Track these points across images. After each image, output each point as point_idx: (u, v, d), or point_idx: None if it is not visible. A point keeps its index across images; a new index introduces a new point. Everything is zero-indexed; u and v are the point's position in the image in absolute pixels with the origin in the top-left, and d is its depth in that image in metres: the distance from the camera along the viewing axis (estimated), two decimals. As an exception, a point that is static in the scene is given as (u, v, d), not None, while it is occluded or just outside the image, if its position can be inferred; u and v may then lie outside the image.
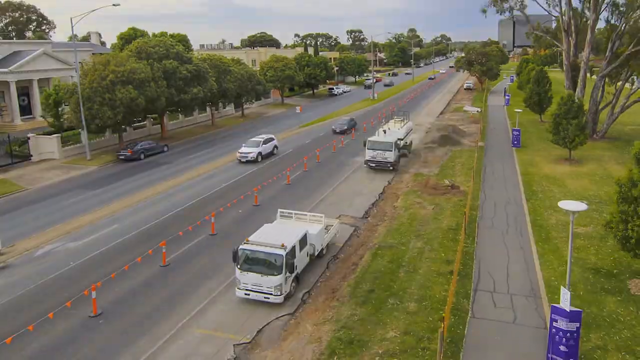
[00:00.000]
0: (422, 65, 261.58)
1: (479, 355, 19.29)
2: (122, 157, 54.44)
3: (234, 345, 20.65)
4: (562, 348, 18.25)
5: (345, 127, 70.17)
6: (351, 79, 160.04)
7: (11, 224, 36.15)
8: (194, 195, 41.76)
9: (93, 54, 68.70)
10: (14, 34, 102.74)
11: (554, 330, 18.42)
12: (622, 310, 21.99)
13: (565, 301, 18.09)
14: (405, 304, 23.34)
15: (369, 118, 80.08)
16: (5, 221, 36.90)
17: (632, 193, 22.37)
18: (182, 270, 27.89)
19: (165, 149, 59.38)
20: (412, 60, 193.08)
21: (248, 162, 52.09)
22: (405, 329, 21.28)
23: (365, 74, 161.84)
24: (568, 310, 17.83)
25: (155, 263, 28.74)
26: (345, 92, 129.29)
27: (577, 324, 17.81)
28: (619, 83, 60.65)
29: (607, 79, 61.81)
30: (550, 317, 18.48)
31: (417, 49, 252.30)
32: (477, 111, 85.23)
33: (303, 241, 25.84)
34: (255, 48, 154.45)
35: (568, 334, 18.01)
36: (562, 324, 18.05)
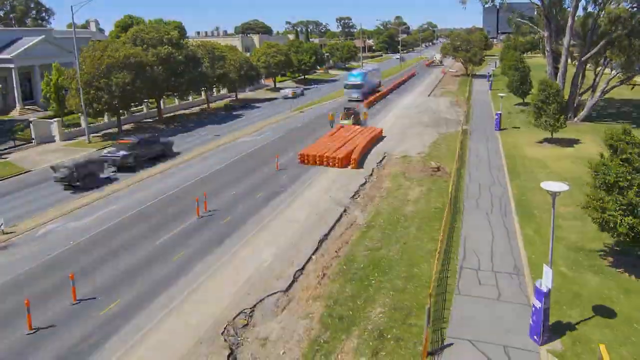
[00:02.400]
0: (417, 49, 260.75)
1: (464, 331, 19.17)
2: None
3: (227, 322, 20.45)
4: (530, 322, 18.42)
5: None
6: (340, 65, 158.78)
7: (13, 205, 35.68)
8: (191, 176, 41.29)
9: (92, 40, 68.06)
10: (14, 21, 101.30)
11: (534, 307, 18.40)
12: (603, 287, 21.95)
13: (547, 279, 18.00)
14: (393, 281, 23.20)
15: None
16: (7, 202, 36.45)
17: (607, 180, 22.16)
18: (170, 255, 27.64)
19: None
20: (399, 47, 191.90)
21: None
22: (393, 305, 21.16)
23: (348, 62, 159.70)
24: (546, 289, 17.73)
25: (152, 242, 28.44)
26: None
27: (543, 303, 17.79)
28: (599, 68, 60.41)
29: (587, 65, 61.57)
30: (534, 295, 18.42)
31: (404, 36, 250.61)
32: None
33: None
34: (248, 35, 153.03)
35: (535, 310, 18.12)
36: (535, 301, 18.07)
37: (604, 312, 20.09)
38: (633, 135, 22.87)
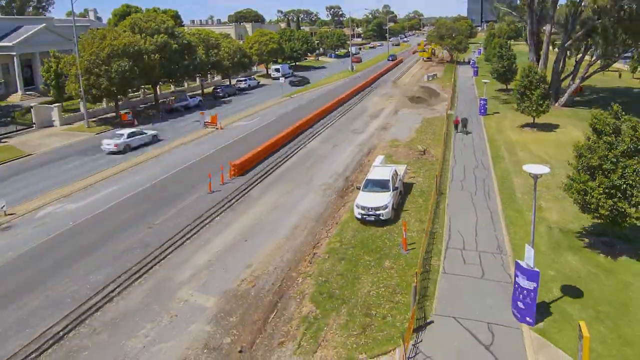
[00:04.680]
0: (406, 36, 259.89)
1: (449, 308, 19.07)
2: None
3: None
4: (519, 304, 18.13)
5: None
6: (330, 52, 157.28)
7: (15, 187, 35.37)
8: (186, 160, 40.86)
9: (90, 29, 67.38)
10: (15, 10, 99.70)
11: (516, 285, 18.25)
12: (581, 266, 21.88)
13: (529, 258, 17.86)
14: (382, 260, 23.03)
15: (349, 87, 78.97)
16: (9, 184, 36.16)
17: (590, 162, 21.92)
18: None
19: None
20: (387, 35, 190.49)
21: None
22: (381, 283, 21.02)
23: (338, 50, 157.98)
24: (530, 268, 17.59)
25: (147, 223, 28.23)
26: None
27: (535, 284, 17.60)
28: (579, 55, 60.13)
29: (568, 52, 61.26)
30: (515, 273, 18.29)
31: (391, 24, 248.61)
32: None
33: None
34: (241, 23, 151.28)
35: (525, 292, 17.86)
36: (522, 281, 17.88)
37: (583, 290, 20.02)
38: (624, 119, 22.43)
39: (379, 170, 30.05)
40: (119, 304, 20.43)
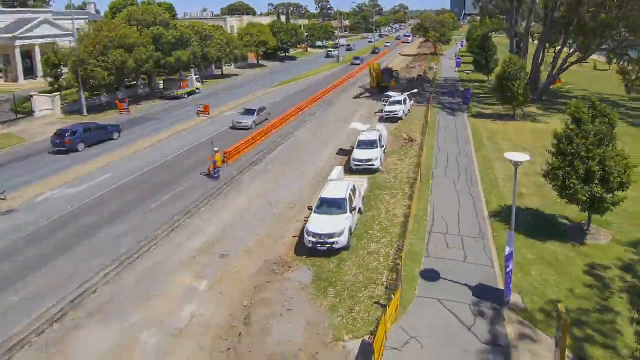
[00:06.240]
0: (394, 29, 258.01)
1: (432, 290, 18.96)
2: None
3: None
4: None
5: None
6: (319, 44, 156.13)
7: (15, 174, 34.74)
8: (181, 147, 40.66)
9: (89, 21, 66.74)
10: (16, 3, 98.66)
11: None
12: (560, 250, 21.86)
13: (510, 242, 17.74)
14: (368, 244, 22.83)
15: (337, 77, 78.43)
16: (9, 171, 35.48)
17: (569, 149, 21.86)
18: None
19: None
20: (373, 27, 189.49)
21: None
22: (367, 267, 20.84)
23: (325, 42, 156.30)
24: (508, 252, 17.47)
25: (144, 208, 27.99)
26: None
27: (511, 266, 17.55)
28: (558, 47, 60.00)
29: (547, 45, 61.09)
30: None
31: (378, 17, 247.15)
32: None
33: None
34: (233, 16, 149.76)
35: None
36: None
37: (561, 273, 20.00)
38: (601, 109, 22.34)
39: (335, 187, 24.94)
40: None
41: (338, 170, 28.57)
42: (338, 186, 24.68)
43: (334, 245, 21.46)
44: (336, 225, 21.76)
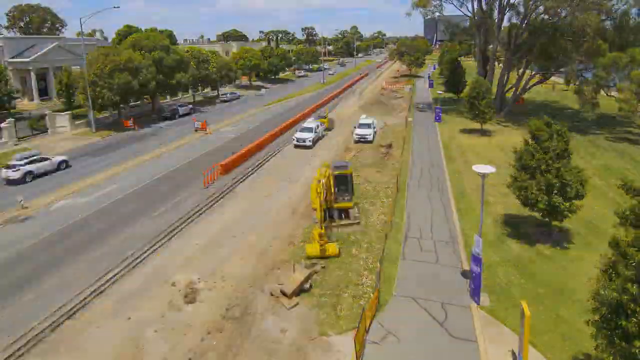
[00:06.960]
0: (370, 53, 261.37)
1: (408, 287, 19.49)
2: None
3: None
4: (471, 286, 18.73)
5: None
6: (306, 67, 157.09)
7: (30, 184, 35.17)
8: (181, 159, 40.93)
9: (97, 47, 67.60)
10: (32, 30, 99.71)
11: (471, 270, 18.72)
12: (524, 253, 22.53)
13: (477, 246, 18.30)
14: (349, 248, 23.25)
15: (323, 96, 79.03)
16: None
17: (530, 163, 22.71)
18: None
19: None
20: (354, 52, 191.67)
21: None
22: (348, 268, 21.25)
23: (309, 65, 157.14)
24: (477, 255, 18.02)
25: (148, 215, 28.22)
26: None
27: (479, 269, 18.08)
28: (521, 70, 61.62)
29: (511, 67, 62.71)
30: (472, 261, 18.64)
31: (358, 43, 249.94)
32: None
33: None
34: (228, 42, 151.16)
35: (474, 275, 18.48)
36: (472, 266, 18.37)
37: (525, 274, 20.62)
38: (554, 127, 23.20)
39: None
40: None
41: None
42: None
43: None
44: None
